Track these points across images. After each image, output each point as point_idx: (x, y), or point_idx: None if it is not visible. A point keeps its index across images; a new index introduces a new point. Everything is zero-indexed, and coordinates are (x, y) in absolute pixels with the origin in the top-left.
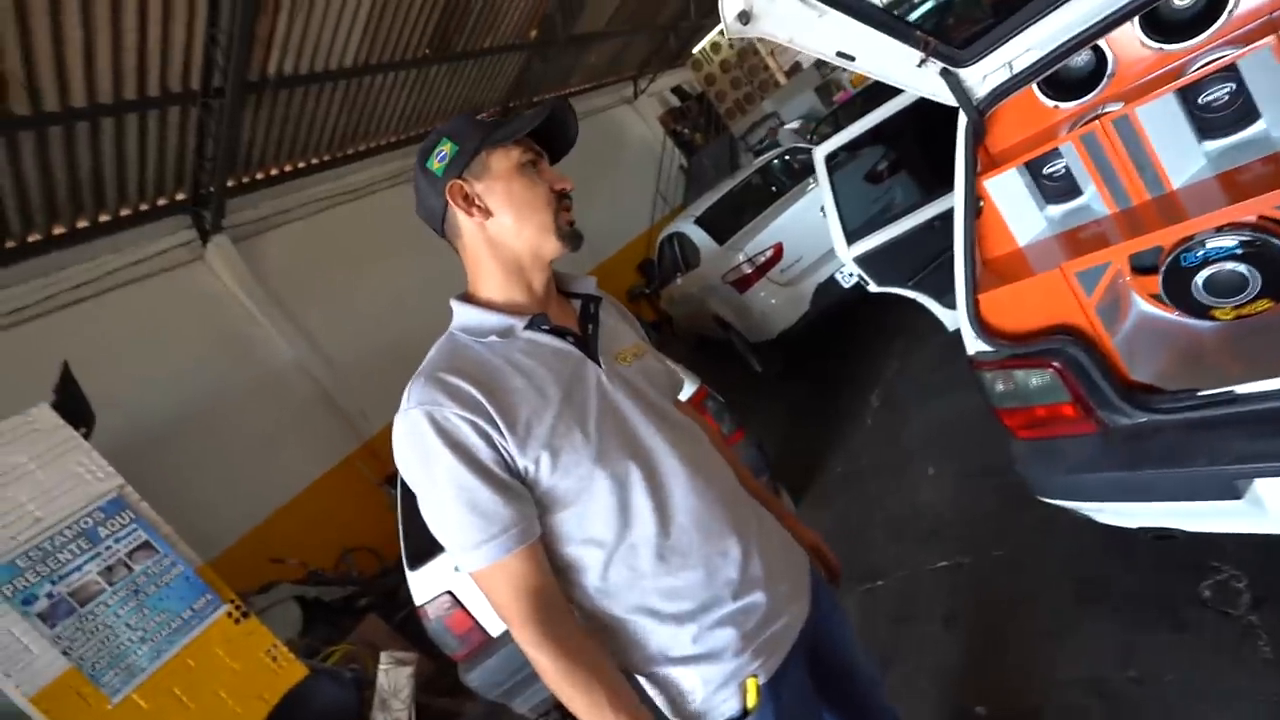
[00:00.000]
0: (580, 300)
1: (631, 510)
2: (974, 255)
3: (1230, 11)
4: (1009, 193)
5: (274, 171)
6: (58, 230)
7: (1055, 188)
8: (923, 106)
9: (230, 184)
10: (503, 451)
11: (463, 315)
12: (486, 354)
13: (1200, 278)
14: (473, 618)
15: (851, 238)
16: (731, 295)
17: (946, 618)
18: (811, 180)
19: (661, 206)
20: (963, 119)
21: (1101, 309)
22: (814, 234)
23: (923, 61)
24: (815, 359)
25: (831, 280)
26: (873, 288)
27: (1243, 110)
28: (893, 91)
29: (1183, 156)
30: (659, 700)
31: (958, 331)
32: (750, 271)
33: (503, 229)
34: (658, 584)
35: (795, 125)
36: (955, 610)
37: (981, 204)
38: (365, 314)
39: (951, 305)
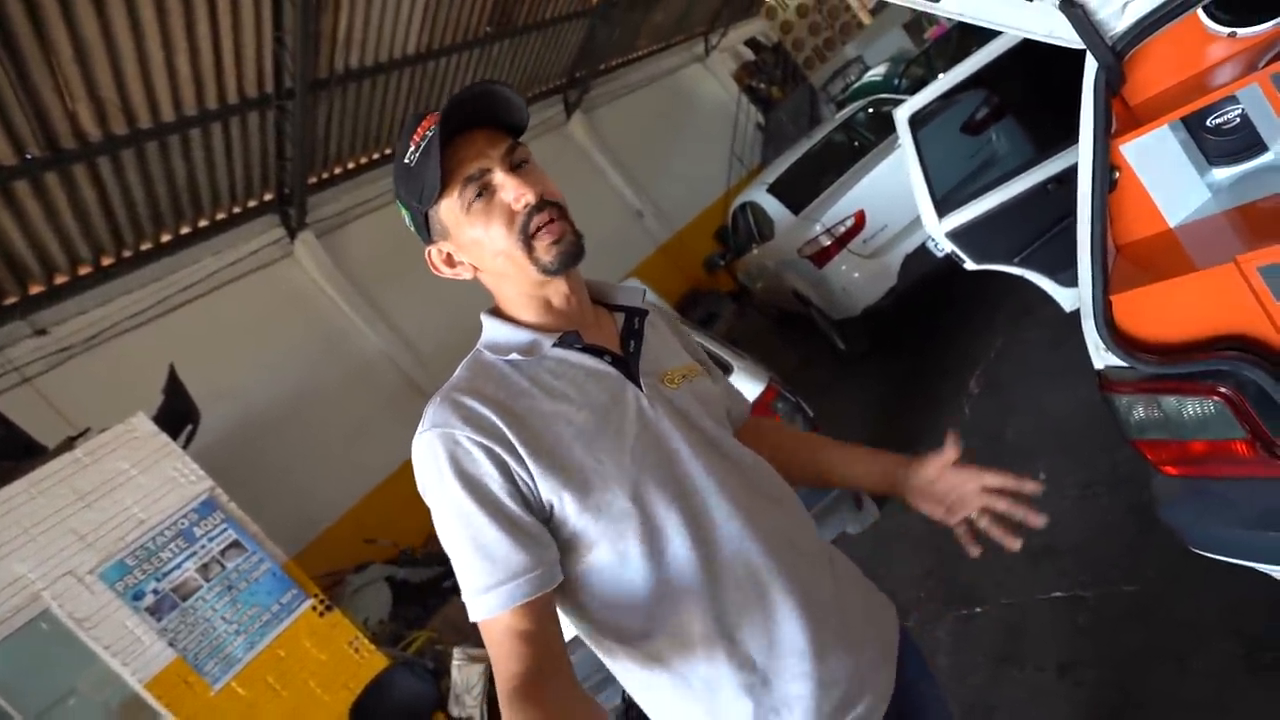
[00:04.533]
0: (624, 314)
1: (674, 561)
2: (1105, 242)
3: None
4: (1156, 157)
5: (350, 165)
6: (165, 238)
7: (1224, 144)
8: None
9: (311, 181)
10: (520, 483)
11: (490, 330)
12: (512, 374)
13: None
14: None
15: (944, 207)
16: (809, 270)
17: (1063, 665)
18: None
19: (738, 168)
20: (1091, 65)
21: None
22: (902, 197)
23: None
24: (906, 336)
25: (922, 249)
26: (970, 266)
27: None
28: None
29: None
30: None
31: (1078, 311)
32: (829, 244)
33: (493, 273)
34: (708, 650)
35: (880, 70)
36: (1074, 657)
37: (1117, 175)
38: (447, 300)
39: (1069, 283)
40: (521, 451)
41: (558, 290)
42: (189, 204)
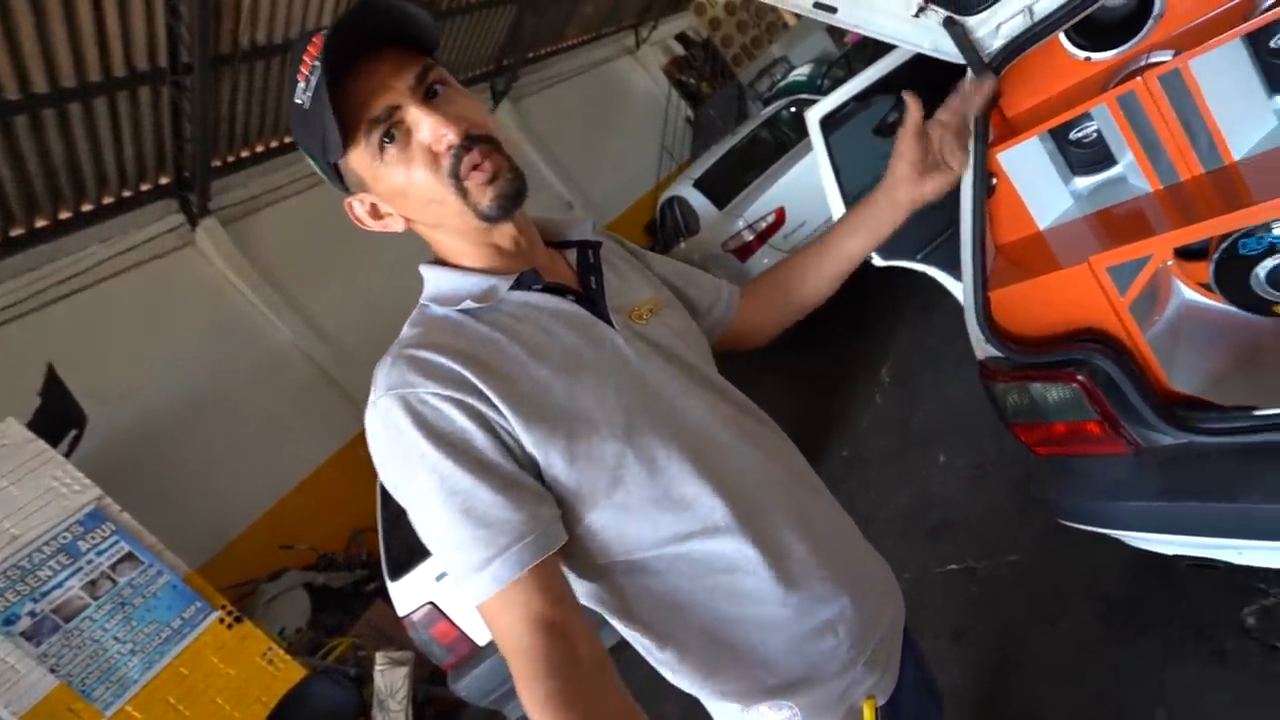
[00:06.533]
0: (575, 249)
1: (683, 499)
2: (984, 243)
3: None
4: (1028, 166)
5: (259, 149)
6: (40, 223)
7: (1085, 155)
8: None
9: (215, 164)
10: (504, 435)
11: (435, 281)
12: (469, 323)
13: (1264, 268)
14: (457, 628)
15: None
16: (733, 264)
17: (956, 632)
18: None
19: (668, 162)
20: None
21: (1137, 304)
22: (820, 196)
23: (921, 10)
24: (824, 329)
25: None
26: (878, 262)
27: None
28: None
29: (1248, 120)
30: None
31: None
32: (751, 239)
33: (427, 223)
34: (733, 586)
35: (805, 70)
36: (966, 624)
37: (994, 182)
38: (365, 291)
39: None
40: (498, 403)
41: (504, 233)
42: (70, 186)
